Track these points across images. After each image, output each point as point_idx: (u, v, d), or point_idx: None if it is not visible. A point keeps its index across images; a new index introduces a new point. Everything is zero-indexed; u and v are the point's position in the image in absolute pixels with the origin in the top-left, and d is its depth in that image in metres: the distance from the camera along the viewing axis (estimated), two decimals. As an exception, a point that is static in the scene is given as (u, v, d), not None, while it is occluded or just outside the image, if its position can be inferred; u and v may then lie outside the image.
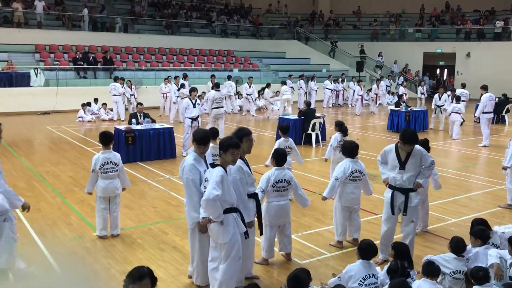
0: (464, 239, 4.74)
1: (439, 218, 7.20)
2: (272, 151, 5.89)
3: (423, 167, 5.37)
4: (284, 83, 19.69)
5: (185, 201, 4.83)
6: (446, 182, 9.23)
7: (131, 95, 18.56)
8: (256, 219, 4.99)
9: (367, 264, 4.30)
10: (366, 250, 4.37)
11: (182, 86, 17.28)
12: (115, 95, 17.49)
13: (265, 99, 20.11)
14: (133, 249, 5.95)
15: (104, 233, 6.28)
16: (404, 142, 5.25)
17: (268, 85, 20.16)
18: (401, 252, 4.50)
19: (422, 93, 21.90)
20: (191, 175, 4.60)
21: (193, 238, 4.82)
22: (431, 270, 4.21)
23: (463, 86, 18.10)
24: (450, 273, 4.54)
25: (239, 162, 4.71)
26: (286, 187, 5.42)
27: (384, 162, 5.62)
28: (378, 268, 4.54)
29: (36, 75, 19.56)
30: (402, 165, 5.31)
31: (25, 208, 5.08)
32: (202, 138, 4.76)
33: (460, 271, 4.56)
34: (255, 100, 20.60)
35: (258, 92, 21.35)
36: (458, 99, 15.17)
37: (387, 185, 5.51)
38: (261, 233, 5.08)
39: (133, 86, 18.84)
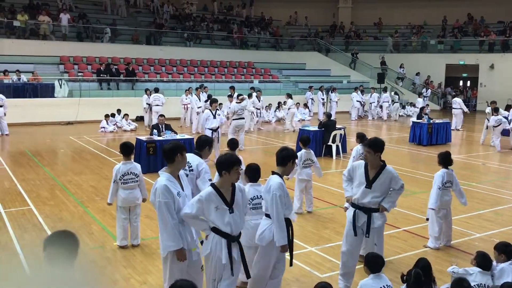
0: (490, 255, 4.62)
1: (463, 232, 7.04)
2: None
3: (392, 189, 4.97)
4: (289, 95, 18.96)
5: (159, 228, 4.32)
6: (471, 196, 9.05)
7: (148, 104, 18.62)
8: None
9: (378, 276, 4.21)
10: (374, 263, 4.26)
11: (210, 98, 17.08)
12: (157, 105, 17.83)
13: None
14: (153, 259, 5.96)
15: (125, 243, 6.32)
16: (365, 145, 5.05)
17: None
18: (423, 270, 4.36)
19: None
20: (164, 198, 4.14)
21: (164, 269, 4.44)
22: None
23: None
24: (475, 286, 4.43)
25: (279, 179, 4.51)
26: (261, 204, 4.89)
27: (349, 179, 5.26)
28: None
29: (60, 86, 19.95)
30: (369, 184, 4.90)
31: None
32: (173, 149, 4.40)
33: (485, 285, 4.44)
34: (269, 112, 20.64)
35: (278, 103, 21.47)
36: (496, 110, 14.98)
37: (351, 204, 5.13)
38: (291, 264, 4.75)
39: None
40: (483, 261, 4.53)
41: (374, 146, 4.89)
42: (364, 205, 4.94)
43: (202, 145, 5.62)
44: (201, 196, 4.12)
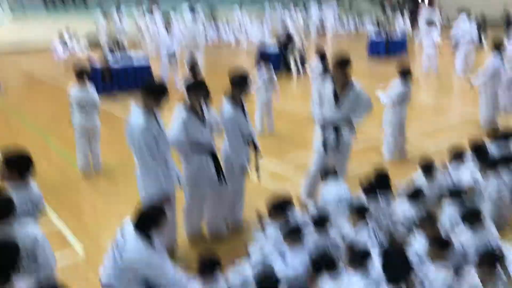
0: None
1: (417, 147, 7.27)
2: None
3: (359, 106, 4.91)
4: None
5: (138, 173, 3.95)
6: (423, 113, 9.35)
7: None
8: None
9: (337, 183, 4.60)
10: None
11: None
12: None
13: None
14: (115, 184, 6.02)
15: (87, 169, 6.32)
16: (332, 63, 4.94)
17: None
18: (382, 181, 4.46)
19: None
20: (143, 140, 3.74)
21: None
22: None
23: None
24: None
25: (232, 106, 4.41)
26: None
27: (319, 102, 5.02)
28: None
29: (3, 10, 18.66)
30: (337, 102, 4.84)
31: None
32: (161, 89, 3.87)
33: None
34: None
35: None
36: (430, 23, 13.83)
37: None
38: (258, 176, 4.85)
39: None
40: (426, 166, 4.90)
41: (340, 63, 4.83)
42: (334, 123, 4.91)
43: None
44: (183, 118, 4.15)
